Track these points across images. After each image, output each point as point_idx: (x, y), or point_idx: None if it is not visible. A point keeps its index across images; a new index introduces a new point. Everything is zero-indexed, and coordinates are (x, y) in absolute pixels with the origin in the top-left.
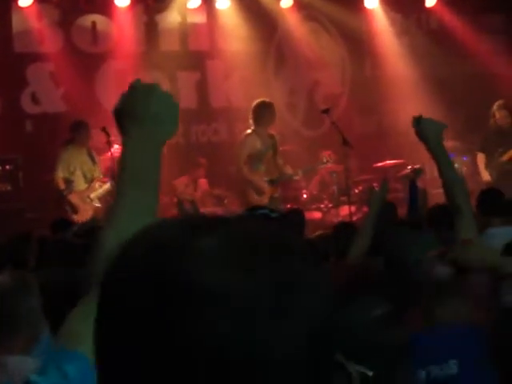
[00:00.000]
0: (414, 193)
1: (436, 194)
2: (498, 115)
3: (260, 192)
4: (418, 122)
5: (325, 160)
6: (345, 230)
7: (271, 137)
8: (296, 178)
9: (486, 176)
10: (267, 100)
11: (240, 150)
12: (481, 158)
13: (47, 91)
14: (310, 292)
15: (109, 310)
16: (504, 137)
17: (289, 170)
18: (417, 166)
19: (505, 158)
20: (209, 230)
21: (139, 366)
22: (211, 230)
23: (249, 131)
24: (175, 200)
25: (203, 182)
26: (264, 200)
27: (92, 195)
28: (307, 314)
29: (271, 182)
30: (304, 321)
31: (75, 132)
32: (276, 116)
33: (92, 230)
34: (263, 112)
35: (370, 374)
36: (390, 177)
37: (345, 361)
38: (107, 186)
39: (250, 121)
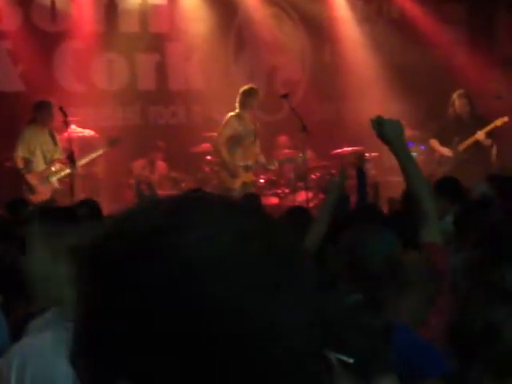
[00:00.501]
0: (362, 179)
1: (394, 182)
2: (457, 103)
3: (233, 175)
4: (378, 123)
5: (301, 155)
6: (298, 214)
7: (254, 123)
8: (271, 167)
9: (447, 151)
10: (255, 87)
11: (222, 130)
12: (434, 142)
13: (5, 69)
14: (307, 268)
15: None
16: (462, 126)
17: (263, 160)
18: (361, 153)
19: (462, 147)
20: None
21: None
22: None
23: (232, 113)
24: (132, 182)
25: (161, 165)
26: (237, 183)
27: (51, 176)
28: (308, 289)
29: (246, 168)
30: (305, 295)
31: (37, 112)
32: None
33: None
34: (249, 97)
35: (351, 361)
36: (346, 164)
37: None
38: (67, 167)
39: (236, 104)
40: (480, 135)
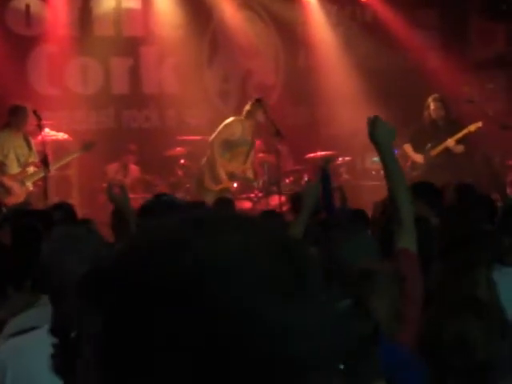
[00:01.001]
0: (327, 182)
1: (367, 187)
2: (432, 107)
3: (216, 179)
4: (373, 123)
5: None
6: (270, 218)
7: (252, 134)
8: (255, 185)
9: (419, 158)
10: (262, 98)
11: (221, 130)
12: (408, 147)
13: None
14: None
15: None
16: (437, 130)
17: (250, 175)
18: (328, 155)
19: (434, 152)
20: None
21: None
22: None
23: (234, 118)
24: (105, 185)
25: (134, 169)
26: (216, 187)
27: (26, 179)
28: (318, 297)
29: (231, 176)
30: (317, 302)
31: (12, 116)
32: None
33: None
34: (257, 109)
35: (341, 366)
36: (320, 168)
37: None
38: (41, 170)
39: (244, 112)
40: (450, 142)
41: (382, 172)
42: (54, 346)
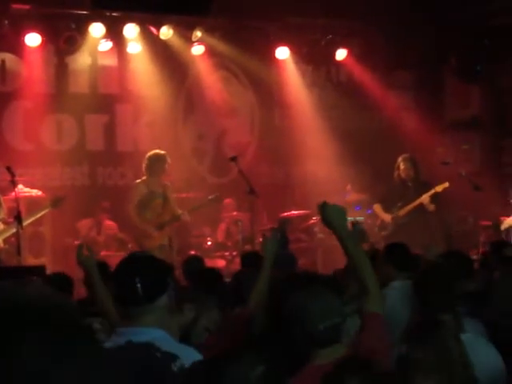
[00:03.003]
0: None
1: (339, 245)
2: (401, 167)
3: (148, 237)
4: (322, 208)
5: (210, 197)
6: (244, 277)
7: (162, 186)
8: (184, 218)
9: (387, 217)
10: (161, 152)
11: (129, 197)
12: (378, 207)
13: None
14: None
15: None
16: (406, 190)
17: (177, 212)
18: (285, 218)
19: (401, 212)
20: None
21: None
22: None
23: (139, 180)
24: (77, 243)
25: (109, 225)
26: (154, 244)
27: None
28: None
29: (160, 227)
30: None
31: None
32: (166, 166)
33: None
34: (155, 163)
35: None
36: (294, 227)
37: None
38: (12, 226)
39: (143, 169)
40: (424, 198)
41: (375, 229)
42: None
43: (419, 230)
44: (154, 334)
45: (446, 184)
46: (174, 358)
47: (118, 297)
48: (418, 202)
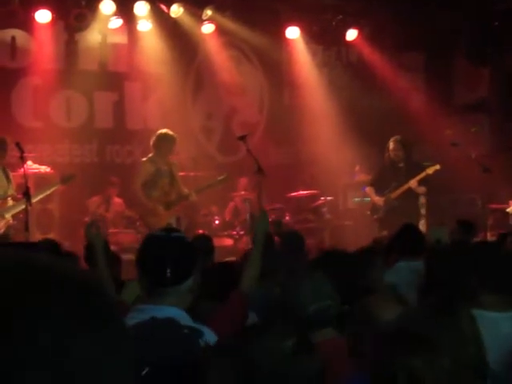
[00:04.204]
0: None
1: (349, 226)
2: (391, 147)
3: (155, 215)
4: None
5: (220, 177)
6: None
7: (169, 164)
8: (191, 198)
9: (378, 200)
10: (170, 132)
11: (135, 176)
12: (370, 190)
13: None
14: None
15: None
16: (397, 171)
17: (185, 192)
18: (278, 220)
19: (394, 194)
20: None
21: None
22: None
23: (145, 158)
24: (86, 220)
25: (118, 203)
26: (161, 223)
27: (5, 211)
28: None
29: (167, 206)
30: None
31: None
32: (175, 147)
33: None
34: (163, 143)
35: None
36: (302, 207)
37: None
38: (21, 203)
39: (151, 146)
40: (413, 183)
41: (367, 212)
42: None
43: (411, 213)
44: (175, 312)
45: (437, 166)
46: (200, 333)
47: (145, 274)
48: (406, 186)
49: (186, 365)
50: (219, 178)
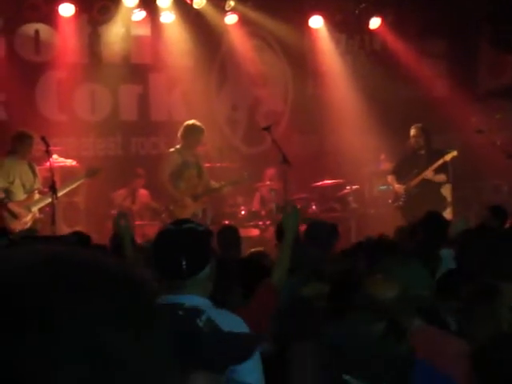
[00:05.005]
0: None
1: (375, 214)
2: (412, 135)
3: (182, 206)
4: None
5: (246, 175)
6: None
7: (195, 156)
8: (225, 190)
9: (399, 188)
10: (198, 123)
11: (162, 167)
12: (391, 178)
13: None
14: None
15: None
16: (419, 158)
17: (214, 185)
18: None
19: (413, 182)
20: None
21: None
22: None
23: (172, 149)
24: (112, 212)
25: (143, 194)
26: (187, 214)
27: (32, 205)
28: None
29: (194, 198)
30: None
31: (17, 143)
32: (203, 138)
33: (28, 238)
34: (191, 134)
35: None
36: (327, 197)
37: (350, 378)
38: (47, 196)
39: (178, 137)
40: (428, 173)
41: (389, 200)
42: None
43: (434, 201)
44: (197, 301)
45: (455, 152)
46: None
47: (161, 269)
48: (421, 176)
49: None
50: (246, 176)
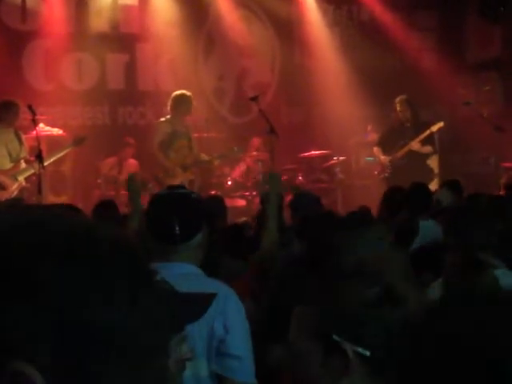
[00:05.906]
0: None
1: (361, 185)
2: (398, 108)
3: (171, 176)
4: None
5: (235, 149)
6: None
7: (185, 126)
8: (215, 163)
9: (385, 159)
10: (187, 93)
11: (152, 136)
12: (377, 150)
13: None
14: None
15: None
16: (405, 130)
17: (204, 158)
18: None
19: (399, 154)
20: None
21: None
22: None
23: (162, 119)
24: (99, 181)
25: (132, 164)
26: (175, 183)
27: (18, 174)
28: None
29: (184, 168)
30: None
31: (3, 111)
32: (192, 107)
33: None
34: (180, 104)
35: (367, 353)
36: (314, 167)
37: (341, 340)
38: (34, 165)
39: (168, 108)
40: (414, 145)
41: (375, 172)
42: None
43: (420, 172)
44: (188, 268)
45: (441, 123)
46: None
47: (154, 234)
48: (407, 147)
49: None
50: (236, 150)
